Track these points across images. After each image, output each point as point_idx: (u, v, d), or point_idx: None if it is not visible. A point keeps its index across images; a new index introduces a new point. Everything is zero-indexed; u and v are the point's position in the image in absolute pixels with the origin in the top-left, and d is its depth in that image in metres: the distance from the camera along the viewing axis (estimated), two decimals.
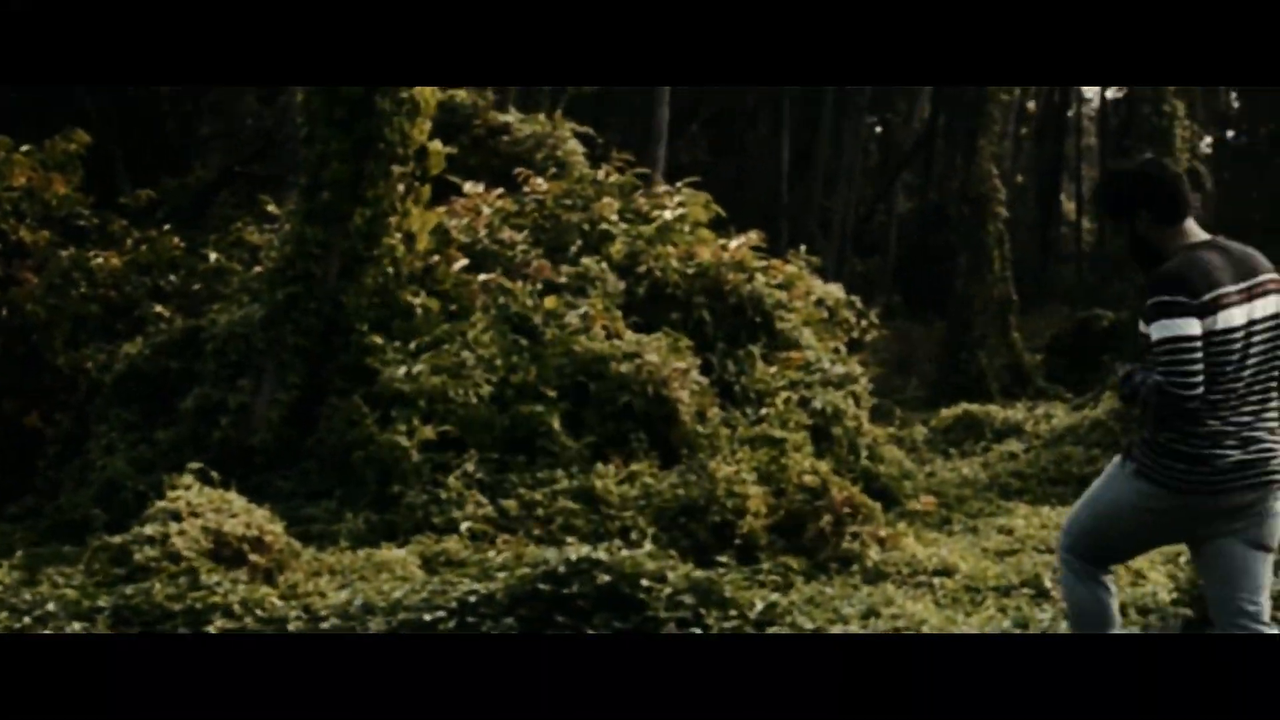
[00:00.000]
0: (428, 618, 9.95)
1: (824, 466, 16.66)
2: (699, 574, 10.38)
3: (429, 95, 17.42)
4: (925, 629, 11.89)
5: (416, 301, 17.68)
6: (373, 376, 17.03)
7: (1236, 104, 67.16)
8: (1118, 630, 7.80)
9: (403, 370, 16.84)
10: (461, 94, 23.44)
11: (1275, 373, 7.65)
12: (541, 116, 22.73)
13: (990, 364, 35.64)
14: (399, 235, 17.69)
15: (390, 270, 17.66)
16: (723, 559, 14.48)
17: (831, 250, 41.82)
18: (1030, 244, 59.15)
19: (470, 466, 16.23)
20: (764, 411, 17.78)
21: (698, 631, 9.68)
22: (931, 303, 40.93)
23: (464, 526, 15.20)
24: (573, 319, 17.55)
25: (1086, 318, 39.13)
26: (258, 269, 19.50)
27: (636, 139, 35.65)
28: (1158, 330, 7.34)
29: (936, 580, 14.47)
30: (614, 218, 19.68)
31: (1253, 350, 7.51)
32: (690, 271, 19.12)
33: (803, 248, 21.72)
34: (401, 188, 17.35)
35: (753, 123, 52.52)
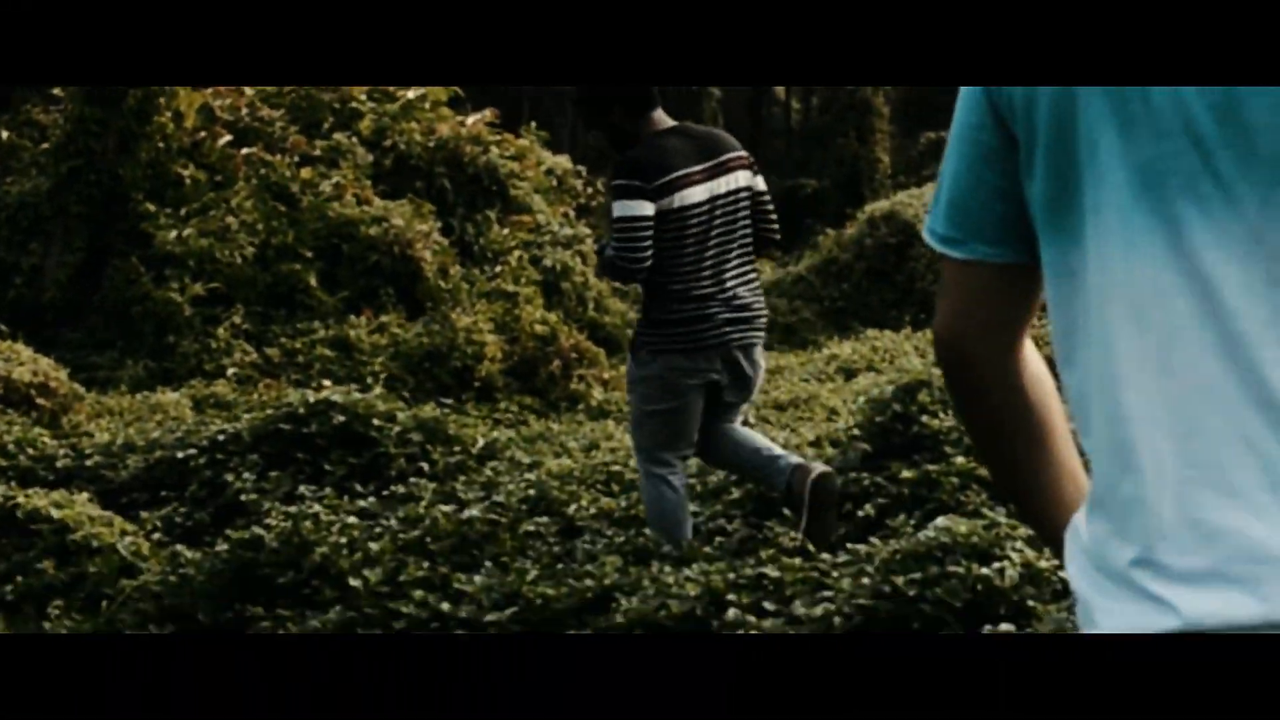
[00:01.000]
0: (180, 455, 10.01)
1: (553, 317, 17.09)
2: (426, 414, 10.53)
3: None
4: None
5: (186, 173, 17.64)
6: (148, 240, 17.02)
7: None
8: (688, 515, 8.04)
9: (174, 234, 16.87)
10: None
11: (747, 238, 7.86)
12: None
13: None
14: (168, 114, 17.63)
15: (161, 145, 17.64)
16: (465, 399, 14.88)
17: (566, 125, 41.77)
18: (746, 121, 59.39)
19: (237, 319, 16.37)
20: (499, 269, 17.98)
21: (424, 466, 9.84)
22: None
23: (230, 372, 15.36)
24: (326, 187, 17.60)
25: (793, 185, 39.12)
26: (45, 145, 19.11)
27: None
28: (616, 209, 7.53)
29: None
30: (363, 97, 19.63)
31: (717, 221, 7.67)
32: (432, 145, 19.19)
33: (533, 124, 21.61)
34: None
35: None
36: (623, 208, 7.47)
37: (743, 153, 7.99)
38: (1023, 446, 2.37)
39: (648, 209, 7.42)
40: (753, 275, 7.99)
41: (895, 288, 23.04)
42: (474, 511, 8.14)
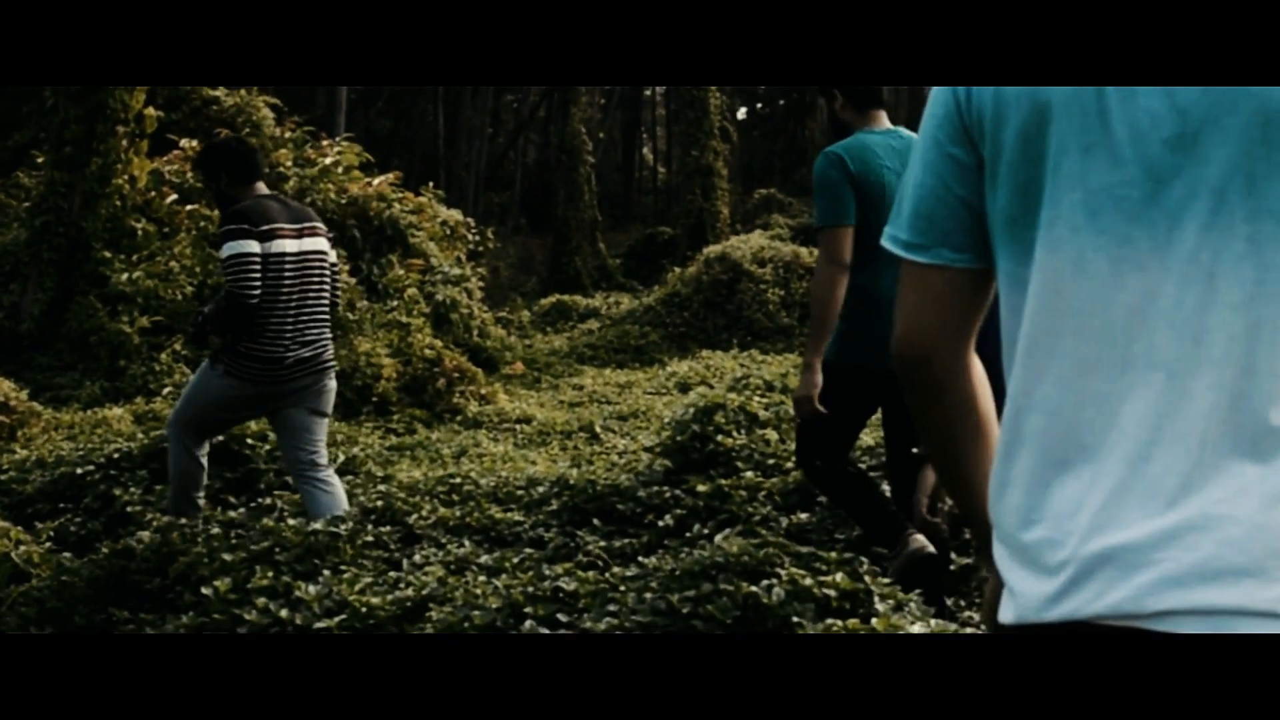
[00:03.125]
0: (79, 471, 9.10)
1: (439, 343, 16.56)
2: None
3: None
4: (501, 462, 11.41)
5: (138, 225, 16.95)
6: (105, 281, 16.31)
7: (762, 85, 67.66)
8: (202, 483, 7.89)
9: (126, 276, 16.20)
10: None
11: (323, 292, 7.67)
12: (242, 92, 21.99)
13: (584, 266, 35.68)
14: (125, 177, 16.97)
15: (118, 203, 16.95)
16: (365, 411, 14.44)
17: (471, 187, 41.39)
18: (619, 181, 59.32)
19: (177, 346, 15.67)
20: (395, 303, 17.23)
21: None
22: (546, 223, 40.51)
23: (165, 391, 14.52)
24: None
25: (653, 233, 39.36)
26: (26, 204, 18.52)
27: (323, 110, 35.03)
28: (226, 250, 7.27)
29: (518, 426, 14.29)
30: (289, 163, 18.90)
31: (303, 273, 7.48)
32: (344, 201, 18.61)
33: (431, 184, 21.14)
34: (125, 142, 16.75)
35: (420, 96, 51.78)
36: (234, 246, 7.21)
37: (322, 224, 7.84)
38: (970, 438, 2.22)
39: (255, 247, 7.20)
40: (325, 321, 7.79)
41: (726, 315, 22.74)
42: (317, 525, 7.22)
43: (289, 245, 7.38)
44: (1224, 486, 1.75)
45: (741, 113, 66.75)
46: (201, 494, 7.82)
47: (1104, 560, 1.76)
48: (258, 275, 7.21)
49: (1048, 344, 1.91)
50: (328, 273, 7.73)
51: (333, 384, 7.94)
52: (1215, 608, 1.69)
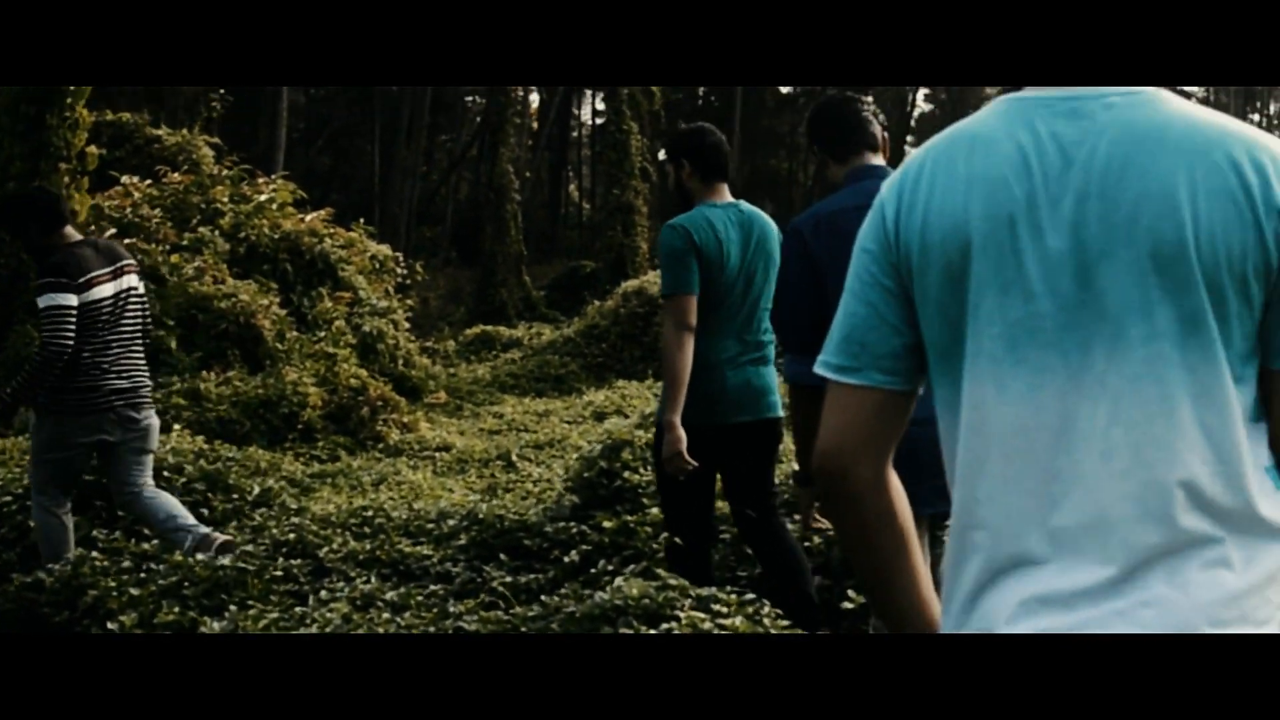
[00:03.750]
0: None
1: (364, 372, 16.06)
2: (208, 466, 9.07)
3: (86, 115, 16.31)
4: (418, 491, 11.00)
5: None
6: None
7: (682, 125, 67.37)
8: (70, 545, 7.48)
9: None
10: (126, 115, 22.33)
11: (139, 325, 7.79)
12: (184, 131, 21.59)
13: (510, 297, 35.31)
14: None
15: None
16: (291, 438, 13.99)
17: (404, 222, 40.98)
18: (545, 217, 59.03)
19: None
20: (323, 334, 16.67)
21: (205, 511, 8.49)
22: (475, 257, 40.03)
23: None
24: (189, 270, 16.36)
25: (575, 266, 38.95)
26: None
27: (264, 147, 34.50)
28: (44, 301, 7.20)
29: (438, 454, 13.85)
30: (225, 199, 18.41)
31: (123, 310, 7.52)
32: (277, 236, 18.07)
33: (361, 220, 20.71)
34: (67, 179, 15.98)
35: (358, 136, 51.35)
36: (51, 299, 7.16)
37: (133, 260, 7.85)
38: (889, 548, 2.19)
39: (72, 300, 7.16)
40: (141, 354, 7.79)
41: (641, 347, 22.28)
42: (224, 560, 6.79)
43: (106, 289, 7.40)
44: (1138, 595, 1.88)
45: (662, 154, 66.48)
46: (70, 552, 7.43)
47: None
48: (72, 328, 7.17)
49: (981, 465, 2.01)
50: (141, 307, 7.84)
51: (155, 421, 7.85)
52: None
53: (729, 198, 6.12)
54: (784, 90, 70.26)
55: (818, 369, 2.19)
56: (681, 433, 5.70)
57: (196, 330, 15.79)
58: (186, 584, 6.63)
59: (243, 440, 13.59)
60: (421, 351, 20.94)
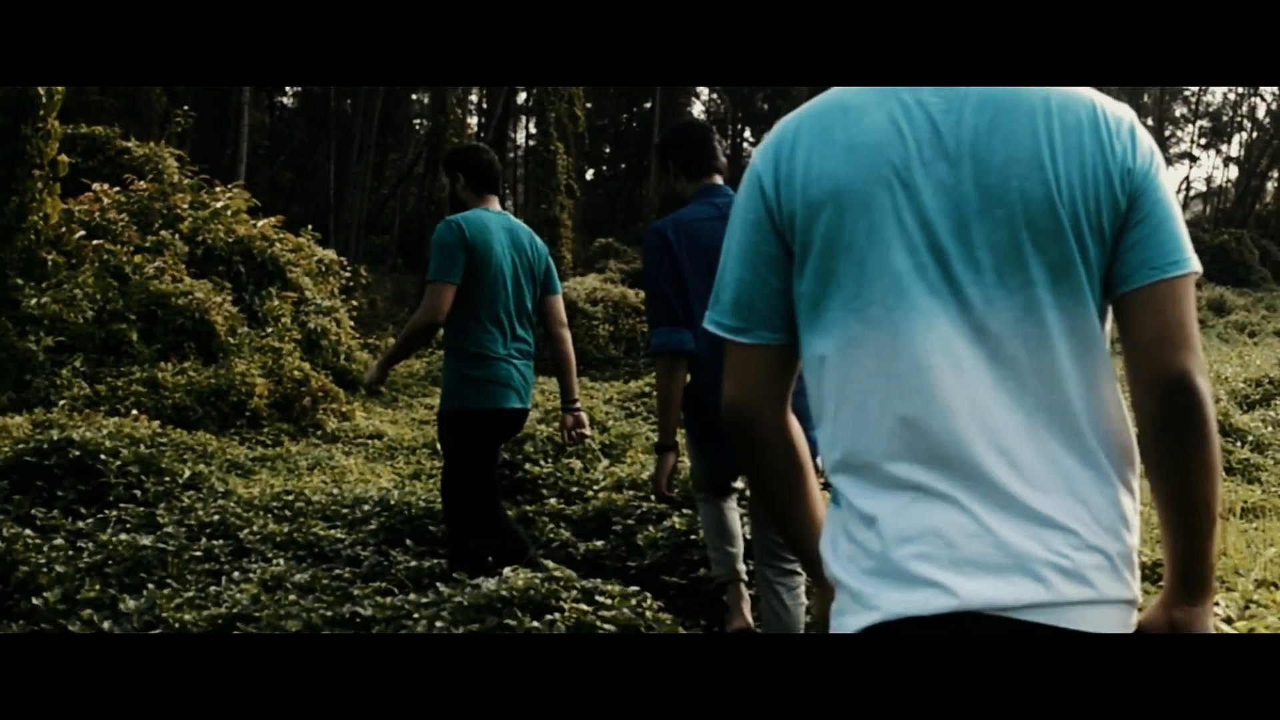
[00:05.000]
0: None
1: (307, 365, 15.65)
2: (144, 450, 8.62)
3: (58, 126, 15.83)
4: (350, 475, 10.61)
5: (49, 257, 15.81)
6: (17, 305, 15.09)
7: (608, 149, 67.04)
8: None
9: (34, 301, 15.02)
10: (99, 129, 21.86)
11: None
12: (151, 144, 21.08)
13: None
14: (39, 215, 15.92)
15: (33, 237, 15.83)
16: (239, 424, 13.61)
17: (355, 231, 40.39)
18: None
19: (77, 363, 14.55)
20: (270, 330, 16.22)
21: (137, 493, 8.06)
22: (419, 263, 39.41)
23: (60, 403, 13.46)
24: (150, 269, 15.99)
25: None
26: None
27: (229, 160, 33.91)
28: None
29: (370, 441, 13.45)
30: (186, 206, 17.96)
31: None
32: (232, 240, 17.66)
33: (309, 227, 20.14)
34: (40, 185, 15.67)
35: (316, 153, 50.70)
36: None
37: None
38: (793, 484, 2.18)
39: None
40: None
41: None
42: (145, 540, 6.40)
43: None
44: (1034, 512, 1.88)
45: (590, 174, 66.37)
46: None
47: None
48: None
49: (868, 405, 1.95)
50: None
51: None
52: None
53: (499, 208, 6.10)
54: (698, 116, 70.15)
55: (710, 327, 2.14)
56: (385, 374, 6.07)
57: (156, 324, 15.53)
58: (110, 562, 6.25)
59: (195, 425, 13.34)
60: (365, 347, 20.58)
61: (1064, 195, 1.90)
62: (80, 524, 7.19)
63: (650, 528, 6.17)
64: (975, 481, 1.87)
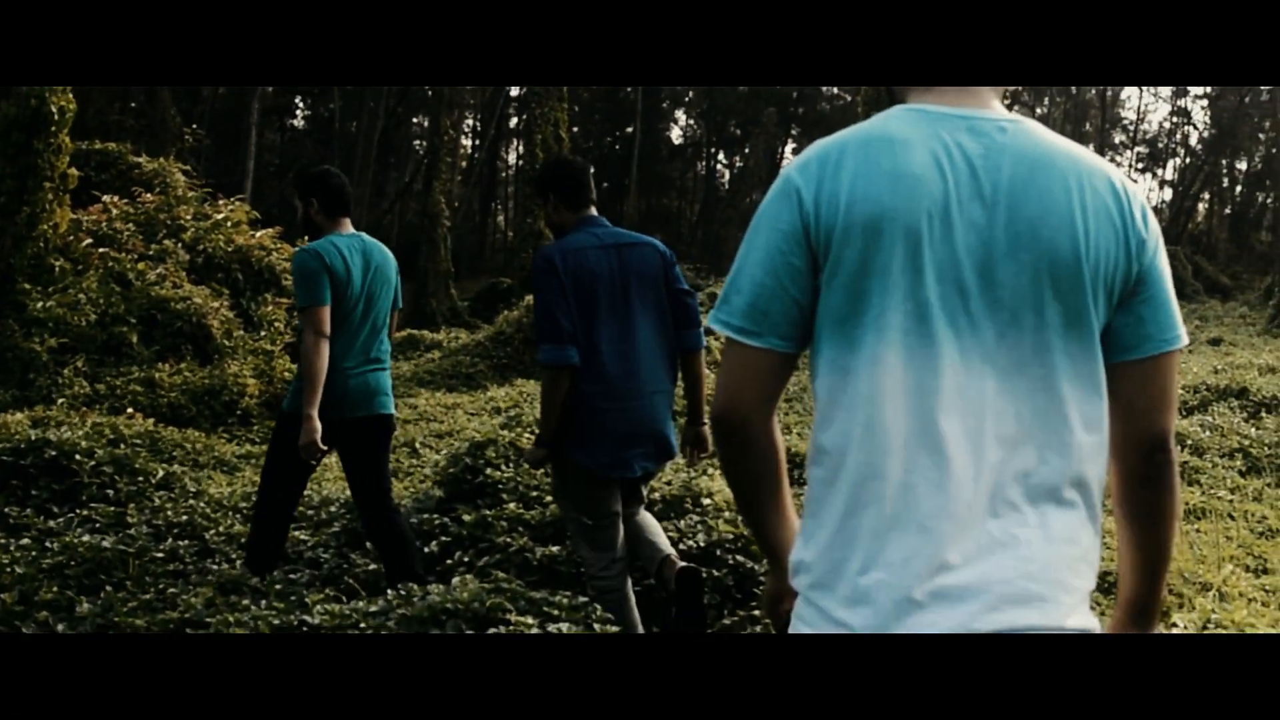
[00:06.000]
0: None
1: (295, 367, 14.86)
2: (119, 450, 8.13)
3: (68, 142, 15.59)
4: (329, 474, 10.14)
5: (57, 264, 15.41)
6: (24, 308, 14.67)
7: (592, 169, 66.51)
8: None
9: (40, 305, 14.61)
10: (112, 145, 21.34)
11: None
12: (161, 159, 20.59)
13: (438, 307, 34.51)
14: (49, 224, 15.59)
15: (42, 245, 15.42)
16: (230, 422, 13.16)
17: None
18: (476, 241, 58.15)
19: (79, 363, 14.07)
20: (263, 333, 15.73)
21: (110, 493, 7.57)
22: (414, 273, 38.99)
23: (59, 401, 13.00)
24: (153, 276, 15.55)
25: (495, 282, 37.76)
26: None
27: (238, 175, 33.48)
28: None
29: None
30: (189, 217, 17.43)
31: None
32: (231, 249, 17.16)
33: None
34: (51, 196, 15.39)
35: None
36: None
37: None
38: (771, 486, 2.13)
39: None
40: None
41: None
42: (106, 542, 5.91)
43: None
44: (1020, 538, 1.85)
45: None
46: None
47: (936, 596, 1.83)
48: None
49: (877, 422, 1.90)
50: None
51: None
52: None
53: (351, 229, 5.90)
54: (675, 140, 69.82)
55: (717, 326, 2.04)
56: (318, 424, 5.46)
57: (155, 328, 15.09)
58: (72, 564, 5.77)
59: (189, 423, 12.99)
60: None
61: (1089, 252, 1.91)
62: (51, 523, 6.71)
63: None
64: (957, 508, 1.85)
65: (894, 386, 1.90)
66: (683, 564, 5.04)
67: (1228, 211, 68.29)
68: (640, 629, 5.04)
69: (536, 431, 5.11)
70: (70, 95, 15.64)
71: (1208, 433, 11.67)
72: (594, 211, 5.24)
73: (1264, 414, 12.95)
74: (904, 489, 1.87)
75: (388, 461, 5.85)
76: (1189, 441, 11.27)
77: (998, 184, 1.92)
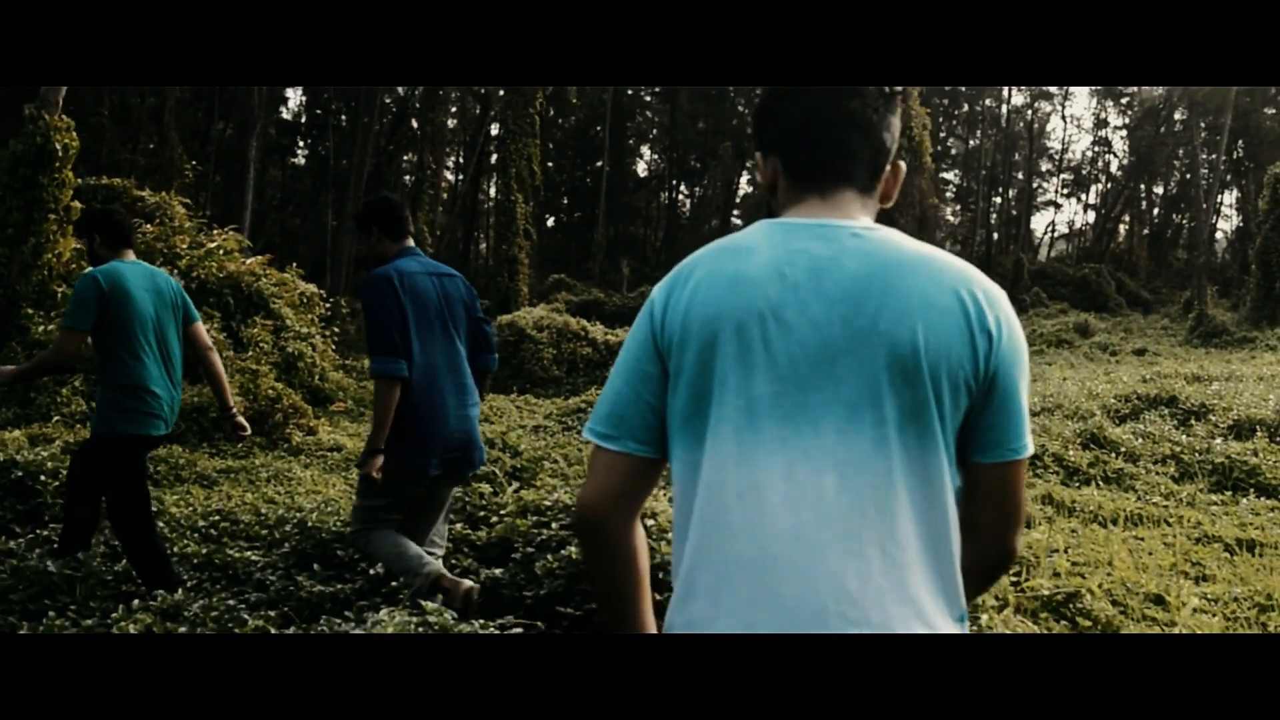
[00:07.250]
0: None
1: (280, 384, 14.54)
2: None
3: (71, 176, 15.14)
4: (301, 487, 9.64)
5: (60, 290, 14.97)
6: (27, 333, 14.28)
7: (565, 200, 66.09)
8: None
9: (42, 329, 14.10)
10: (117, 180, 20.84)
11: None
12: (162, 193, 20.04)
13: None
14: (53, 253, 15.19)
15: (46, 273, 15.06)
16: (217, 437, 12.68)
17: (345, 269, 39.36)
18: (457, 259, 57.75)
19: (76, 382, 13.59)
20: (250, 353, 15.18)
21: None
22: None
23: (54, 419, 12.53)
24: None
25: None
26: None
27: (236, 207, 32.90)
28: None
29: (330, 454, 12.46)
30: (184, 246, 16.89)
31: None
32: (223, 275, 16.60)
33: (294, 264, 19.15)
34: (55, 227, 15.00)
35: (317, 203, 49.63)
36: None
37: None
38: (631, 583, 1.95)
39: None
40: None
41: (511, 368, 21.15)
42: (51, 566, 5.39)
43: None
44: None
45: (550, 220, 65.61)
46: None
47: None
48: None
49: (716, 517, 1.78)
50: None
51: None
52: None
53: (134, 258, 5.76)
54: (640, 173, 69.45)
55: (587, 435, 1.95)
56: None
57: None
58: (20, 586, 5.25)
59: (177, 439, 12.41)
60: (341, 368, 19.62)
61: (928, 346, 1.75)
62: (12, 544, 6.18)
63: (549, 556, 5.20)
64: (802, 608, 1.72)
65: (729, 480, 1.78)
66: (467, 583, 4.92)
67: (1146, 232, 68.53)
68: (421, 556, 4.96)
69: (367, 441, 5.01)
70: (74, 134, 15.17)
71: (1140, 440, 11.31)
72: (412, 243, 5.29)
73: (1193, 421, 12.64)
74: (727, 586, 1.78)
75: (145, 476, 5.69)
76: (1122, 449, 10.93)
77: (840, 283, 1.80)
